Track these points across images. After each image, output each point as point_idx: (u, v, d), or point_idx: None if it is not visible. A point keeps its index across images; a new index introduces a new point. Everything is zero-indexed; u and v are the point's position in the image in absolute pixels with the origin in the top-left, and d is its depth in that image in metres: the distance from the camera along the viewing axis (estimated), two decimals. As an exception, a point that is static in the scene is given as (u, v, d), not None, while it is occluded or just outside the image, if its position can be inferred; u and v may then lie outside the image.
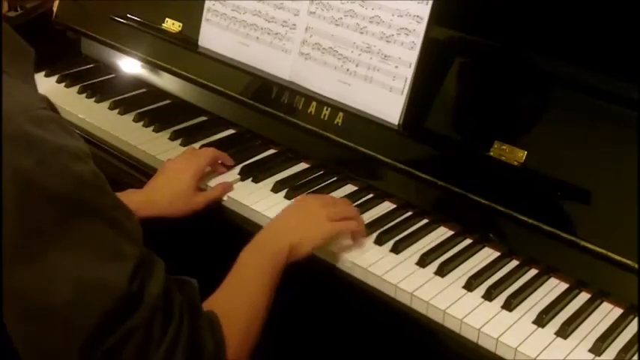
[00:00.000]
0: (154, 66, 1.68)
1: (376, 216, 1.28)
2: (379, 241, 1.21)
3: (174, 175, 1.31)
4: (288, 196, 1.31)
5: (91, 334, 0.81)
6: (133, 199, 1.23)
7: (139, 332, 0.83)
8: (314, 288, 1.24)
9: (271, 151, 1.47)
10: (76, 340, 0.81)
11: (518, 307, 1.09)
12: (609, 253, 1.09)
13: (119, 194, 1.29)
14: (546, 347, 1.02)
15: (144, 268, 0.86)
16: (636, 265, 1.07)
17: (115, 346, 0.82)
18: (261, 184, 1.36)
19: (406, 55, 1.31)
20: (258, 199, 1.31)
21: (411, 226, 1.26)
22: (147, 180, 1.36)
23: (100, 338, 0.81)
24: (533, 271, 1.16)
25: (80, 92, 1.68)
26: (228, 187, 1.34)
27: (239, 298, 1.02)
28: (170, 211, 1.27)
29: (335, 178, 1.38)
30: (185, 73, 1.62)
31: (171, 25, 1.69)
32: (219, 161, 1.39)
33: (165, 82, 1.67)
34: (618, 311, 1.09)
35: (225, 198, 1.33)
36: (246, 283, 1.05)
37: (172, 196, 1.28)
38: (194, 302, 0.94)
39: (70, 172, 0.80)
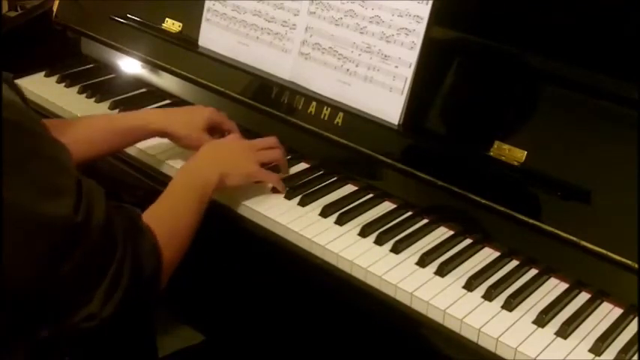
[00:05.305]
0: (153, 66, 1.68)
1: (376, 216, 1.27)
2: (379, 241, 1.21)
3: (193, 109, 1.46)
4: (287, 197, 1.31)
5: (42, 264, 0.87)
6: (150, 114, 1.44)
7: (87, 259, 0.90)
8: (314, 288, 1.24)
9: (271, 151, 1.47)
10: (30, 269, 0.87)
11: (518, 307, 1.09)
12: (609, 253, 1.09)
13: (138, 111, 1.49)
14: (546, 347, 1.02)
15: (87, 198, 0.91)
16: (636, 265, 1.07)
17: (69, 274, 0.89)
18: (261, 183, 1.35)
19: (406, 55, 1.31)
20: (258, 199, 1.30)
21: (411, 226, 1.25)
22: (146, 180, 1.37)
23: (54, 267, 0.88)
24: (533, 271, 1.16)
25: (80, 92, 1.68)
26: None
27: (167, 211, 1.13)
28: (177, 132, 1.37)
29: (335, 178, 1.37)
30: (185, 73, 1.62)
31: (171, 25, 1.69)
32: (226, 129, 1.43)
33: (165, 82, 1.67)
34: (618, 311, 1.09)
35: (224, 198, 1.32)
36: (176, 200, 1.16)
37: (185, 122, 1.37)
38: (135, 226, 1.01)
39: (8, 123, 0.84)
